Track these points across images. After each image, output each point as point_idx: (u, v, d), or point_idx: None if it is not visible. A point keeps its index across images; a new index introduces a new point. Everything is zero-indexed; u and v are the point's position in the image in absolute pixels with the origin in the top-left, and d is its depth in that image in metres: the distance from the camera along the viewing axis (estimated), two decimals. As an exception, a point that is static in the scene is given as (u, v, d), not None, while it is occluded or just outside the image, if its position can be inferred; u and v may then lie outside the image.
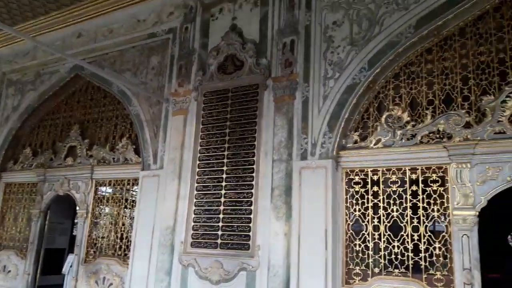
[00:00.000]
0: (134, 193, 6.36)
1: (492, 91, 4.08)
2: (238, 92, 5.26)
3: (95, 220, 6.62)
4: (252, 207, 4.75)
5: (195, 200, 5.22)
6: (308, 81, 4.86)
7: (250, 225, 4.71)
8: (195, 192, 5.24)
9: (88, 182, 6.71)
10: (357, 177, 4.53)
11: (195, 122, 5.50)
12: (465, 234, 3.85)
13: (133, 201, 6.22)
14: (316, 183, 4.49)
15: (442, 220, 4.02)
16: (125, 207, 6.37)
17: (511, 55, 4.10)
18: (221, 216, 4.96)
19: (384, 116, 4.54)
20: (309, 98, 4.81)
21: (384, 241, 4.22)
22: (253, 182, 4.81)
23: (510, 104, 3.93)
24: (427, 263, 3.99)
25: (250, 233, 4.68)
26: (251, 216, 4.73)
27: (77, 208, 6.78)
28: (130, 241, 5.83)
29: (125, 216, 6.35)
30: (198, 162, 5.32)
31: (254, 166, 4.85)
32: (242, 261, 4.68)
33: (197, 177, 5.27)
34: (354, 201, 4.49)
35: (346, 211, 4.49)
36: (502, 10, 4.24)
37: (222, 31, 5.65)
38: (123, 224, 6.27)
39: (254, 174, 4.83)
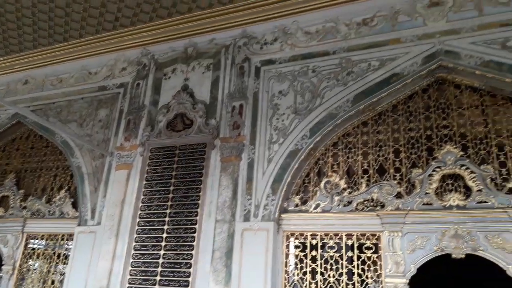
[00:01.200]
0: (68, 249, 5.99)
1: (420, 165, 4.41)
2: (185, 150, 5.29)
3: (22, 277, 6.09)
4: (191, 270, 4.60)
5: (131, 260, 4.99)
6: (254, 144, 5.00)
7: (188, 288, 4.56)
8: (133, 252, 5.03)
9: (18, 236, 6.24)
10: (297, 241, 4.60)
11: (138, 178, 5.40)
12: (396, 302, 3.96)
13: (66, 257, 5.84)
14: (257, 246, 4.47)
15: (376, 287, 4.12)
16: (57, 264, 5.95)
17: (437, 133, 4.49)
18: (158, 278, 4.75)
19: (323, 182, 4.72)
20: (254, 160, 4.93)
21: (321, 308, 4.24)
22: (194, 243, 4.72)
23: (436, 178, 4.24)
24: (361, 331, 4.03)
25: (187, 297, 4.53)
26: (190, 279, 4.57)
27: (3, 263, 6.24)
28: (58, 302, 5.40)
29: (56, 273, 5.92)
30: (138, 219, 5.16)
31: (197, 226, 4.78)
32: (177, 326, 4.47)
33: (135, 235, 5.09)
34: (294, 265, 4.52)
35: (285, 275, 4.48)
36: (430, 92, 4.70)
37: (173, 90, 5.77)
38: (53, 282, 5.83)
39: (195, 235, 4.75)
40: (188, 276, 4.59)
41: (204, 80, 5.64)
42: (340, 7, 5.15)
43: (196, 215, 4.84)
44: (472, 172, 4.13)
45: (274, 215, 4.59)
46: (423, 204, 4.20)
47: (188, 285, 4.56)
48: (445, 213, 4.07)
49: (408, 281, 3.99)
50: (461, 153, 4.26)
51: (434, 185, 4.23)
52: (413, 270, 4.00)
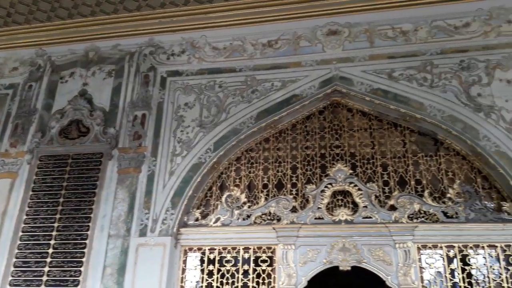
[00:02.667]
0: None
1: (314, 181, 4.67)
2: (79, 160, 4.97)
3: None
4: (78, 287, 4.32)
5: (10, 279, 4.49)
6: (156, 156, 4.88)
7: (74, 308, 4.24)
8: (12, 269, 4.53)
9: None
10: (194, 256, 4.55)
11: (24, 188, 4.92)
12: (288, 314, 4.10)
13: None
14: (152, 262, 4.32)
15: (269, 299, 4.22)
16: None
17: (330, 152, 4.81)
18: (40, 298, 4.36)
19: (224, 196, 4.76)
20: (155, 173, 4.80)
21: (215, 323, 4.22)
22: (84, 260, 4.41)
23: (328, 194, 4.53)
24: None
25: (72, 318, 4.20)
26: (76, 298, 4.28)
27: None
28: None
29: None
30: (20, 234, 4.68)
31: (87, 242, 4.48)
32: None
33: (16, 251, 4.60)
34: (190, 281, 4.46)
35: (181, 291, 4.41)
36: (325, 114, 5.04)
37: (70, 94, 5.43)
38: None
39: (85, 250, 4.44)
40: (75, 295, 4.28)
41: (105, 86, 5.39)
42: (247, 27, 5.34)
43: (88, 230, 4.55)
44: (359, 189, 4.49)
45: (173, 230, 4.48)
46: (315, 218, 4.45)
47: (73, 305, 4.25)
48: (335, 227, 4.35)
49: (299, 293, 4.17)
50: (351, 171, 4.62)
51: (326, 201, 4.51)
52: (304, 283, 4.18)
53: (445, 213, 4.28)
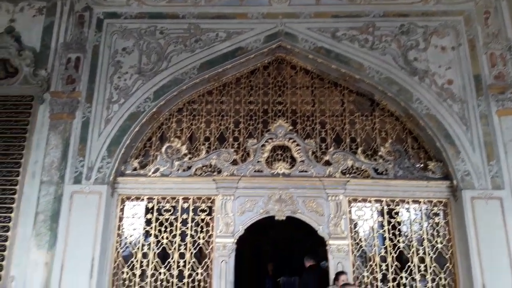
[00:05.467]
0: None
1: (256, 136, 5.07)
2: (7, 102, 4.93)
3: None
4: (9, 233, 4.44)
5: None
6: (91, 102, 4.97)
7: (5, 253, 4.39)
8: None
9: None
10: (132, 204, 4.84)
11: None
12: (224, 260, 4.57)
13: None
14: (88, 209, 4.55)
15: (207, 247, 4.66)
16: None
17: (272, 108, 5.20)
18: (-35, 244, 4.45)
19: (164, 147, 5.02)
20: (90, 119, 4.91)
21: (151, 268, 4.59)
22: (14, 205, 4.54)
23: (268, 148, 4.96)
24: (190, 289, 4.54)
25: (4, 263, 4.36)
26: (7, 243, 4.42)
27: None
28: None
29: None
30: None
31: (17, 187, 4.59)
32: (-11, 296, 4.29)
33: None
34: (127, 228, 4.76)
35: (118, 238, 4.71)
36: (269, 70, 5.37)
37: (-5, 31, 5.26)
38: None
39: (16, 196, 4.56)
40: (5, 241, 4.42)
41: (35, 24, 5.28)
42: (193, -29, 5.42)
43: (18, 175, 4.63)
44: (297, 145, 4.96)
45: (109, 178, 4.70)
46: (255, 171, 4.88)
47: (5, 250, 4.40)
48: (273, 179, 4.82)
49: (235, 240, 4.63)
50: (291, 127, 5.06)
51: (266, 155, 4.95)
52: (241, 231, 4.66)
53: (375, 170, 4.90)
